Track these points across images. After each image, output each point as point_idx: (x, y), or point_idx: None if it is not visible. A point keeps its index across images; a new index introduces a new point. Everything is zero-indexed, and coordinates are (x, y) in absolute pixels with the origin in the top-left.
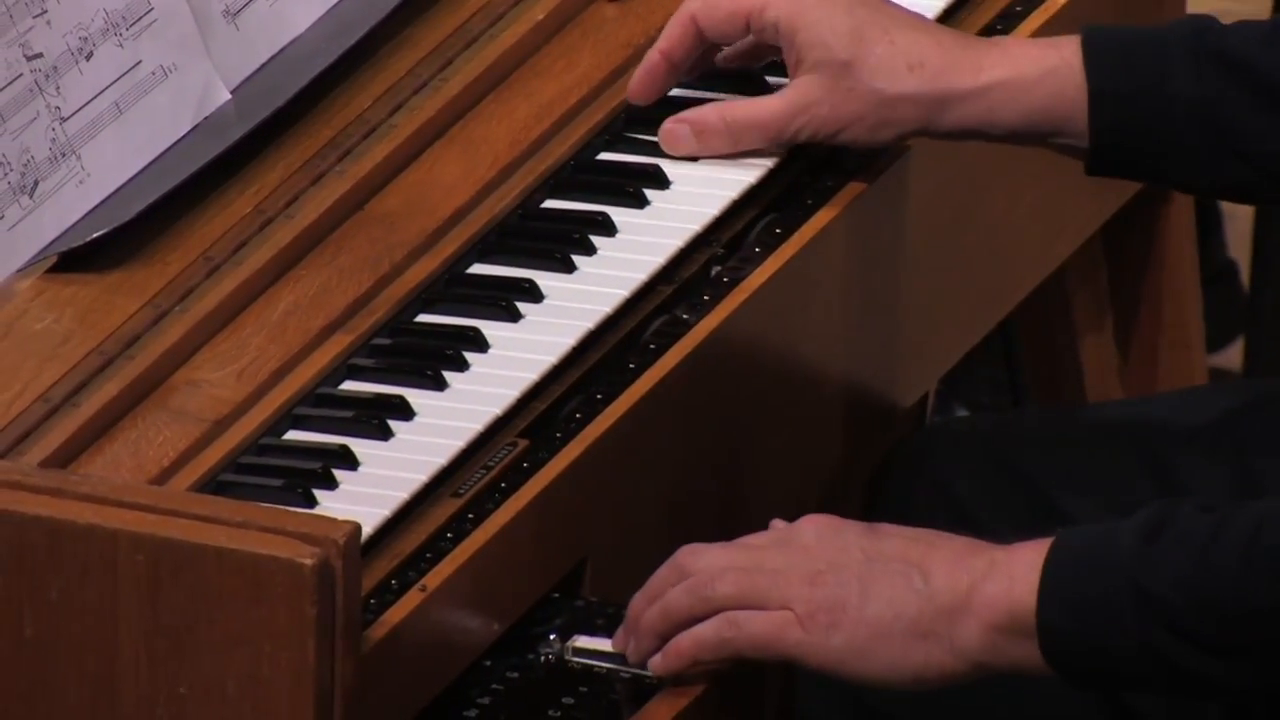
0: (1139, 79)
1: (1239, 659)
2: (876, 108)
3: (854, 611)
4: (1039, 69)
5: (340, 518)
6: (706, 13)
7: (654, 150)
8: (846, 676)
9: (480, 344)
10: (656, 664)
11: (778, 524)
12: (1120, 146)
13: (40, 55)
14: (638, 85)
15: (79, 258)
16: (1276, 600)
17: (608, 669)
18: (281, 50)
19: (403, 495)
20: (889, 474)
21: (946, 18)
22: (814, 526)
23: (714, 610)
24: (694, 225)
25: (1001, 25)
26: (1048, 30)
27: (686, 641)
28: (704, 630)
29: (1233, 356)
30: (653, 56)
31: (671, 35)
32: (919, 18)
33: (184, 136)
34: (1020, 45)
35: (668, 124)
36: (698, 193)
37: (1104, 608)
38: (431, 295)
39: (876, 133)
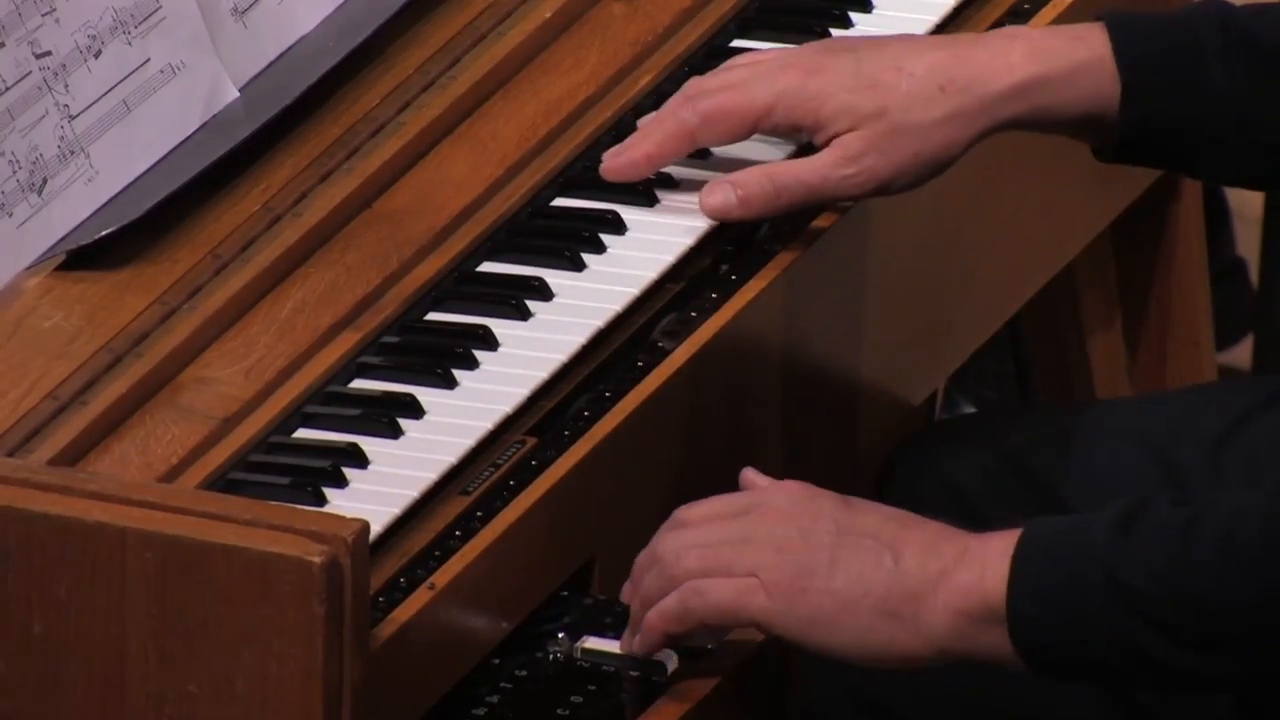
0: (1170, 70)
1: (1214, 651)
2: (925, 140)
3: (821, 581)
4: (1070, 62)
5: (349, 516)
6: (707, 128)
7: None
8: (808, 646)
9: (489, 342)
10: (629, 642)
11: (749, 478)
12: (1150, 137)
13: (49, 53)
14: (615, 171)
15: (87, 255)
16: (1254, 595)
17: (616, 668)
18: (289, 49)
19: (412, 493)
20: (896, 471)
21: (955, 15)
22: (787, 492)
23: None
24: (703, 223)
25: (1010, 22)
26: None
27: (653, 615)
28: (667, 601)
29: (1241, 354)
30: (637, 155)
31: (665, 144)
32: (922, 39)
33: (192, 134)
34: (1044, 37)
35: (711, 185)
36: None
37: (1077, 598)
38: (441, 293)
39: (937, 161)
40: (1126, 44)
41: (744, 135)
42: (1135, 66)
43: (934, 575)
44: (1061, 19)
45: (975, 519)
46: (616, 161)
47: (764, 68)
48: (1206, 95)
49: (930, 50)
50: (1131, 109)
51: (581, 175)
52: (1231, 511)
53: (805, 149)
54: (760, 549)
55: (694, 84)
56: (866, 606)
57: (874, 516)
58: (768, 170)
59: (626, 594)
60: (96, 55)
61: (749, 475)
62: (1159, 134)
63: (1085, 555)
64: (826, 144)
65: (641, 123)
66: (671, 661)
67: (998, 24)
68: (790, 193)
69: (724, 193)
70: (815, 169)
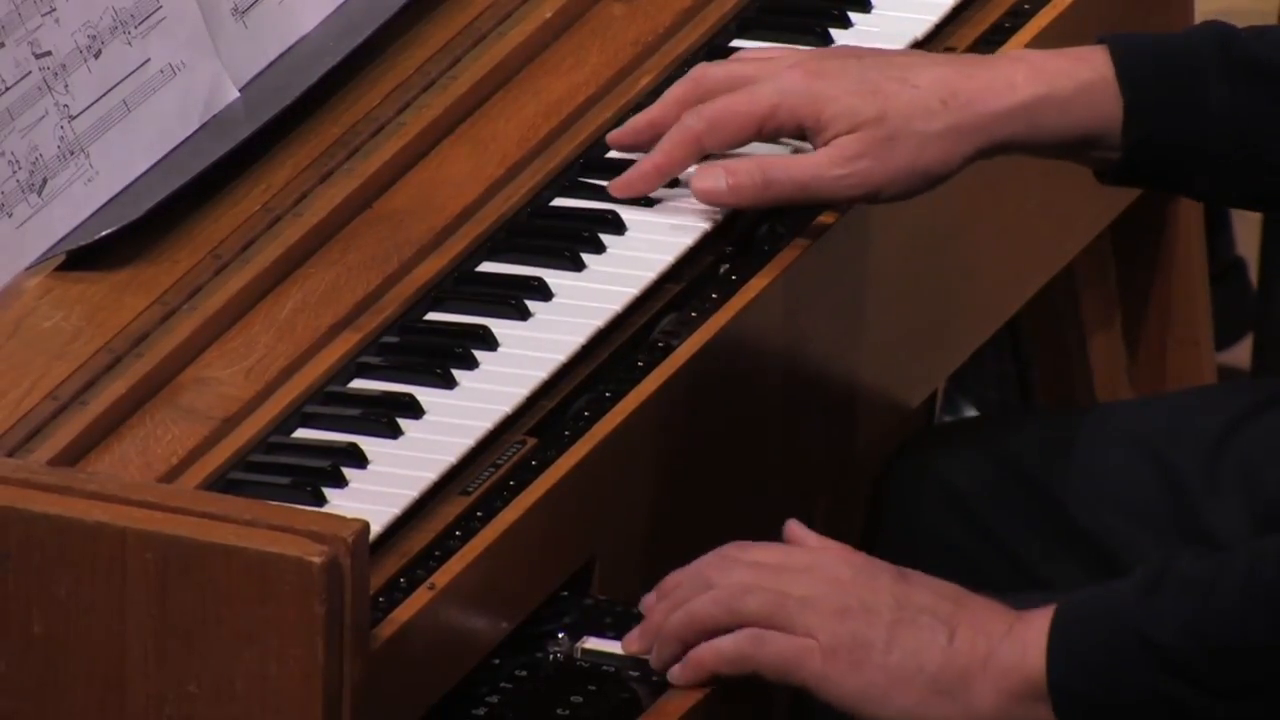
0: (1173, 91)
1: (1246, 698)
2: (921, 150)
3: (878, 655)
4: (1073, 82)
5: (349, 516)
6: (713, 132)
7: None
8: (857, 716)
9: (489, 342)
10: (675, 674)
11: (796, 532)
12: (1152, 158)
13: (49, 53)
14: (625, 187)
15: (87, 256)
16: (1275, 637)
17: (616, 668)
18: (290, 48)
19: (412, 493)
20: (896, 473)
21: (955, 15)
22: (847, 560)
23: (740, 625)
24: (703, 223)
25: (1010, 23)
26: (1056, 27)
27: (707, 653)
28: (725, 643)
29: (1241, 354)
30: (647, 167)
31: (672, 152)
32: (928, 55)
33: (192, 135)
34: (1047, 59)
35: (703, 167)
36: None
37: (1111, 662)
38: (440, 293)
39: (930, 174)
40: (1129, 65)
41: (750, 137)
42: (1138, 87)
43: (983, 654)
44: (1061, 19)
45: (974, 523)
46: (626, 178)
47: (770, 66)
48: (1208, 116)
49: (936, 65)
50: (1134, 129)
51: (581, 175)
52: (1252, 555)
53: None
54: (821, 613)
55: (700, 70)
56: (920, 683)
57: (929, 592)
58: (761, 162)
59: (656, 608)
60: (96, 55)
61: (795, 530)
62: (1161, 154)
63: (1115, 618)
64: (825, 145)
65: (638, 117)
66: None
67: (997, 24)
68: (780, 187)
69: (715, 178)
70: (808, 167)
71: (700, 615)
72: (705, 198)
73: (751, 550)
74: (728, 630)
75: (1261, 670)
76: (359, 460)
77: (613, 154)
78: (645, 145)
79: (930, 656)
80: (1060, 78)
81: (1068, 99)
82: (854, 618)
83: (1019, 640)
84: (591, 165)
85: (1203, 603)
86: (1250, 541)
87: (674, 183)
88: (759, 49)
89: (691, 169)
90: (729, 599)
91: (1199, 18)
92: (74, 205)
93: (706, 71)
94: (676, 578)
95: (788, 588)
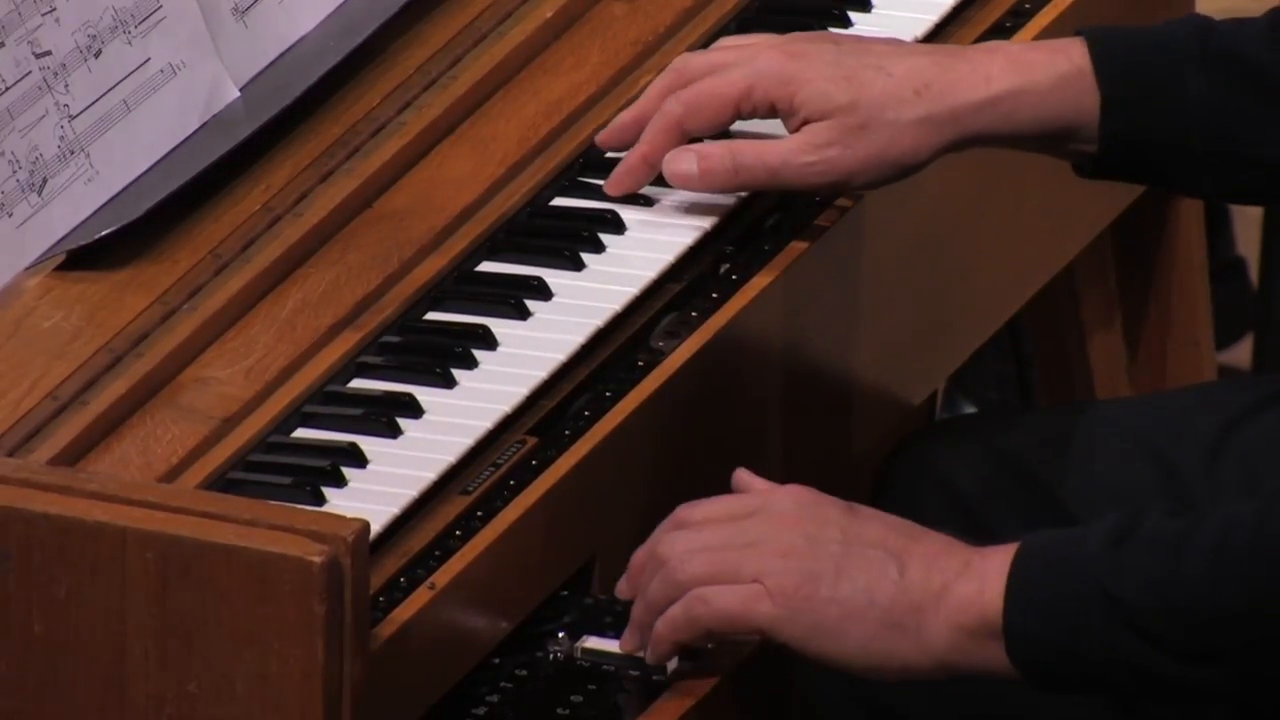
0: (1151, 84)
1: (1207, 663)
2: (893, 140)
3: (826, 589)
4: (1050, 75)
5: (349, 515)
6: (692, 115)
7: None
8: (811, 653)
9: (489, 342)
10: (649, 659)
11: (745, 480)
12: (1129, 151)
13: (49, 53)
14: (616, 184)
15: (87, 255)
16: (1244, 605)
17: (616, 667)
18: (290, 48)
19: (411, 493)
20: (895, 471)
21: (955, 15)
22: (793, 497)
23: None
24: (703, 223)
25: (1010, 23)
26: (1057, 26)
27: (661, 626)
28: (674, 610)
29: (1241, 353)
30: (633, 159)
31: (655, 140)
32: (906, 44)
33: (192, 134)
34: (1024, 51)
35: (676, 151)
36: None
37: (1071, 611)
38: (440, 293)
39: (900, 164)
40: (1105, 57)
41: (729, 119)
42: (1114, 79)
43: (936, 588)
44: (1061, 19)
45: (973, 520)
46: (617, 174)
47: (747, 51)
48: (1185, 107)
49: (912, 55)
50: (1111, 121)
51: (581, 175)
52: (1225, 521)
53: None
54: (766, 554)
55: (680, 60)
56: (872, 617)
57: (880, 526)
58: (731, 146)
59: (622, 589)
60: (97, 55)
61: (743, 477)
62: (1138, 147)
63: (1078, 568)
64: (798, 129)
65: (623, 114)
66: (672, 661)
67: (998, 24)
68: (750, 172)
69: (687, 162)
70: (778, 152)
71: (655, 600)
72: (677, 181)
73: (699, 508)
74: None
75: (1224, 637)
76: (359, 460)
77: (612, 154)
78: (634, 141)
79: (882, 589)
80: (1036, 70)
81: (1044, 92)
82: (800, 555)
83: (976, 575)
84: (591, 165)
85: (1170, 563)
86: (1225, 506)
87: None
88: (735, 37)
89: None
90: (673, 573)
91: None
92: (74, 205)
93: (687, 61)
94: (639, 558)
95: (732, 539)
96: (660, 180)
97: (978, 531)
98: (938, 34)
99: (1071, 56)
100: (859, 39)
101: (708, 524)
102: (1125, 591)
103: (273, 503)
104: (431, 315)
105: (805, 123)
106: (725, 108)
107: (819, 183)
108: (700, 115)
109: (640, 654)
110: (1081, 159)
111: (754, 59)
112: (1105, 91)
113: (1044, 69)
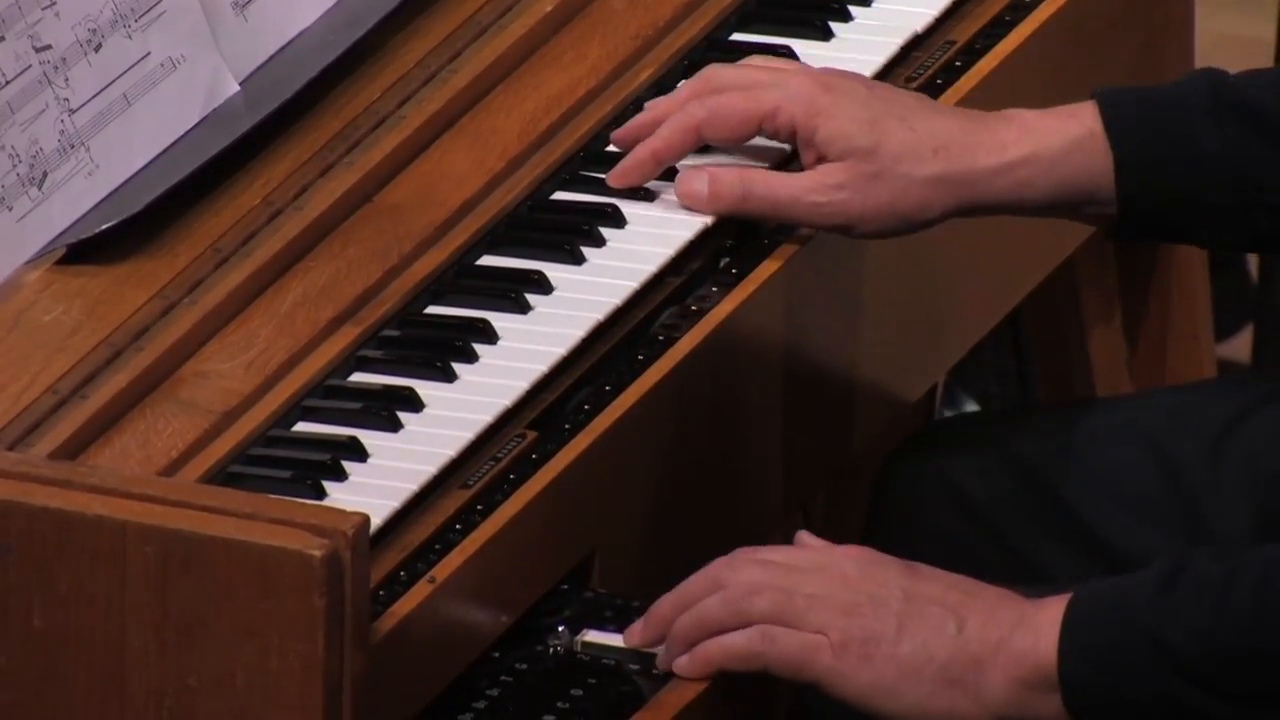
0: (1164, 143)
1: (1255, 704)
2: (904, 193)
3: (887, 647)
4: (1063, 141)
5: (349, 509)
6: (713, 125)
7: None
8: (869, 711)
9: (489, 335)
10: (682, 664)
11: (805, 539)
12: (1149, 211)
13: (49, 47)
14: (623, 176)
15: (88, 249)
16: None
17: (616, 661)
18: (290, 42)
19: (412, 487)
20: (896, 467)
21: (954, 10)
22: (855, 557)
23: (747, 624)
24: (703, 217)
25: (1010, 17)
26: (1055, 21)
27: (715, 648)
28: (736, 639)
29: (1241, 345)
30: (643, 154)
31: (671, 140)
32: (932, 102)
33: (193, 128)
34: (1038, 118)
35: (689, 171)
36: None
37: (1122, 658)
38: (440, 287)
39: (907, 219)
40: (1117, 118)
41: (749, 135)
42: (1126, 139)
43: (994, 642)
44: (1060, 13)
45: (973, 515)
46: (623, 165)
47: (780, 74)
48: (1200, 163)
49: (937, 115)
50: (1127, 182)
51: (581, 169)
52: (1268, 560)
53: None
54: (831, 609)
55: (711, 71)
56: (929, 674)
57: (938, 584)
58: (745, 175)
59: (668, 610)
60: (97, 49)
61: (804, 537)
62: (1159, 206)
63: (1130, 616)
64: (811, 162)
65: (649, 104)
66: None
67: (997, 18)
68: (758, 202)
69: (700, 182)
70: (790, 188)
71: (708, 617)
72: (687, 201)
73: (761, 551)
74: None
75: (1268, 677)
76: (359, 454)
77: (612, 148)
78: (648, 176)
79: (940, 646)
80: (1049, 135)
81: (1056, 157)
82: (863, 612)
83: (1031, 628)
84: (592, 159)
85: (1216, 606)
86: (1266, 546)
87: (673, 177)
88: (769, 58)
89: (687, 161)
90: (736, 599)
91: (1199, 32)
92: (74, 199)
93: (719, 72)
94: (696, 582)
95: (796, 586)
96: (661, 174)
97: (978, 528)
98: (937, 28)
99: (1084, 120)
100: (889, 87)
101: (770, 565)
102: (1173, 636)
103: (273, 496)
104: (432, 309)
105: (820, 158)
106: (748, 123)
107: (825, 224)
108: (722, 125)
109: (646, 649)
110: (1104, 223)
111: (786, 82)
112: (1118, 153)
113: (1056, 134)
